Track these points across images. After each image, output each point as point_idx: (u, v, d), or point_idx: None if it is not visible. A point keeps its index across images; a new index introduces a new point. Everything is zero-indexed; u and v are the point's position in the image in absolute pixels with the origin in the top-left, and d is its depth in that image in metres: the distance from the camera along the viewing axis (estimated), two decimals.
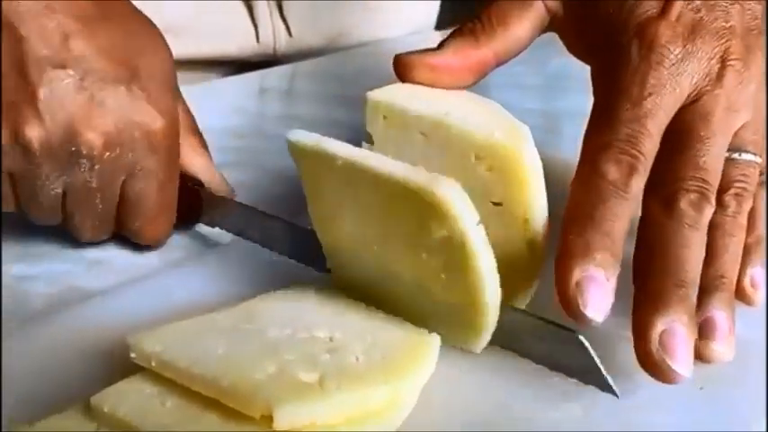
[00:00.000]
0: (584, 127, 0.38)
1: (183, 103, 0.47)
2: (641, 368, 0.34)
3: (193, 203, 0.46)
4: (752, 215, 0.39)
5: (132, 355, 0.32)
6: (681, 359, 0.33)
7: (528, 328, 0.35)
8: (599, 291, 0.34)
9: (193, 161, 0.46)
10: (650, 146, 0.37)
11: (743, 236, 0.38)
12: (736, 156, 0.38)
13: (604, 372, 0.34)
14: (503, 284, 0.38)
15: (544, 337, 0.35)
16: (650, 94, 0.37)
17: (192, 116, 0.48)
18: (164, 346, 0.32)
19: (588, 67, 0.41)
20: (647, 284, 0.35)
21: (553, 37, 0.44)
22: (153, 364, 0.32)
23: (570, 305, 0.34)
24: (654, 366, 0.34)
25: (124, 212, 0.44)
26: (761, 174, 0.39)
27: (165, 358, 0.32)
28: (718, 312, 0.36)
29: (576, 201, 0.36)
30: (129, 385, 0.32)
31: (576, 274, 0.34)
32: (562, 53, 0.44)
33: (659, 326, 0.34)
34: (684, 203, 0.36)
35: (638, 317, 0.35)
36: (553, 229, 0.38)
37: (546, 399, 0.35)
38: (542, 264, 0.38)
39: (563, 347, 0.34)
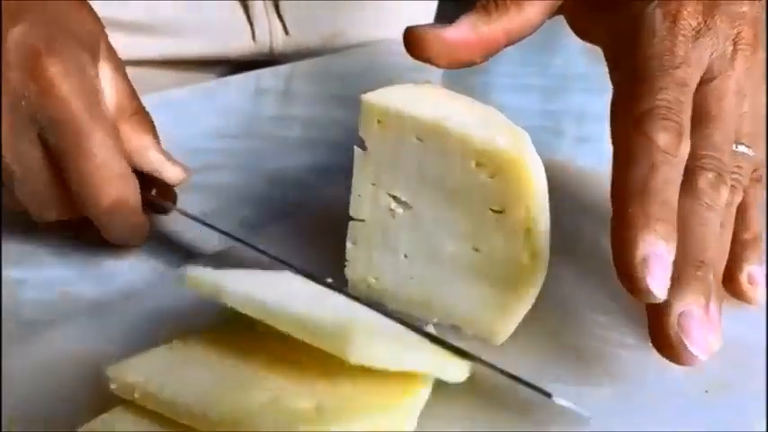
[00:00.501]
0: (590, 126, 0.37)
1: (123, 84, 0.45)
2: (656, 350, 0.34)
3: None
4: (745, 212, 0.38)
5: (113, 386, 0.30)
6: (698, 341, 0.33)
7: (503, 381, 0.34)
8: (663, 266, 0.33)
9: (131, 145, 0.44)
10: (688, 114, 0.36)
11: (731, 228, 0.37)
12: (732, 146, 0.38)
13: (586, 415, 0.33)
14: (504, 294, 0.37)
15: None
16: (681, 64, 0.37)
17: (134, 96, 0.45)
18: (146, 375, 0.30)
19: (590, 69, 0.41)
20: None
21: (554, 38, 0.43)
22: (136, 395, 0.30)
23: (636, 281, 0.33)
24: (670, 349, 0.33)
25: (65, 178, 0.41)
26: (755, 170, 0.39)
27: (148, 389, 0.30)
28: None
29: (626, 171, 0.35)
30: (112, 417, 0.30)
31: (641, 248, 0.33)
32: (564, 54, 0.43)
33: (677, 308, 0.33)
34: (703, 182, 0.35)
35: None
36: (554, 235, 0.37)
37: (547, 411, 0.34)
38: (544, 272, 0.37)
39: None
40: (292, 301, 0.31)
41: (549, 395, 0.33)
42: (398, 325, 0.35)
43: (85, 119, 0.41)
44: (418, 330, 0.35)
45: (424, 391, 0.32)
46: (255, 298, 0.31)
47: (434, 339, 0.34)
